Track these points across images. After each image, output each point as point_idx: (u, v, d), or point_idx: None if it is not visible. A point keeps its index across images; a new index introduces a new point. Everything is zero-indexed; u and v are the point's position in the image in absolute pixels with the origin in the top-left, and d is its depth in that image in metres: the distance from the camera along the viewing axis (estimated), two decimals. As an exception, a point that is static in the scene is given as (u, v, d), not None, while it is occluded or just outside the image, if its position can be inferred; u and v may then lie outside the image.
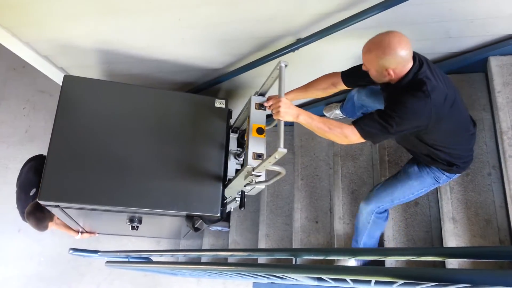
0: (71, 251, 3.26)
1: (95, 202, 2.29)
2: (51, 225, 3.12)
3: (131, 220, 2.66)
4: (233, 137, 2.66)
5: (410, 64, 1.82)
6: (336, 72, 2.17)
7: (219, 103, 2.61)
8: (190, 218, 2.45)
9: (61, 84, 2.41)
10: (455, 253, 1.39)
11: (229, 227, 3.74)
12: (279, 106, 1.92)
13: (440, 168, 2.16)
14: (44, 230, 3.10)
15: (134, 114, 2.50)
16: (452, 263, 2.22)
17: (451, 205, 2.40)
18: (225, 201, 2.49)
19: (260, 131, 2.16)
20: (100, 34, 2.50)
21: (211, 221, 2.52)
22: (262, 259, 3.16)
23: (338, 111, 3.08)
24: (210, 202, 2.38)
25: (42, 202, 2.24)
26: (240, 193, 2.50)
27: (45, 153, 2.45)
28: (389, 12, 2.02)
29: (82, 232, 3.54)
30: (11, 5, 2.22)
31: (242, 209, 2.43)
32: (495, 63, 2.46)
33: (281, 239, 3.32)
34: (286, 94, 2.07)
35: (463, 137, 2.10)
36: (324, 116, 3.14)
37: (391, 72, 1.82)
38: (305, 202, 3.17)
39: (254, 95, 2.27)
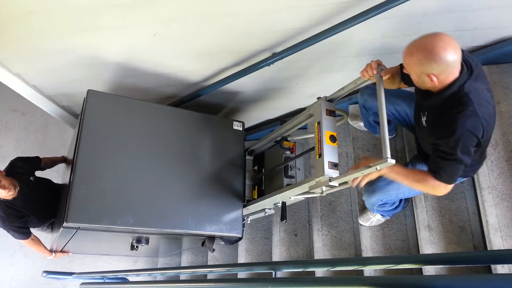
0: (44, 274, 3.15)
1: (121, 224, 2.22)
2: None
3: (138, 241, 2.59)
4: (248, 159, 2.70)
5: (457, 72, 1.61)
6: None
7: (237, 126, 2.68)
8: (211, 239, 2.46)
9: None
10: (431, 260, 1.42)
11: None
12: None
13: None
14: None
15: (155, 133, 2.47)
16: (429, 270, 2.25)
17: (426, 213, 2.44)
18: (243, 221, 2.52)
19: (332, 138, 2.03)
20: (74, 51, 2.47)
21: (230, 241, 2.54)
22: (242, 274, 3.13)
23: (361, 123, 2.78)
24: (232, 223, 2.43)
25: (67, 224, 2.14)
26: (278, 205, 2.40)
27: None
28: (361, 26, 2.07)
29: (55, 252, 3.43)
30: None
31: (284, 221, 2.32)
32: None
33: (261, 254, 3.30)
34: (388, 72, 1.82)
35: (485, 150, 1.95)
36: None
37: (434, 79, 1.61)
38: (284, 215, 3.17)
39: (322, 100, 2.11)
